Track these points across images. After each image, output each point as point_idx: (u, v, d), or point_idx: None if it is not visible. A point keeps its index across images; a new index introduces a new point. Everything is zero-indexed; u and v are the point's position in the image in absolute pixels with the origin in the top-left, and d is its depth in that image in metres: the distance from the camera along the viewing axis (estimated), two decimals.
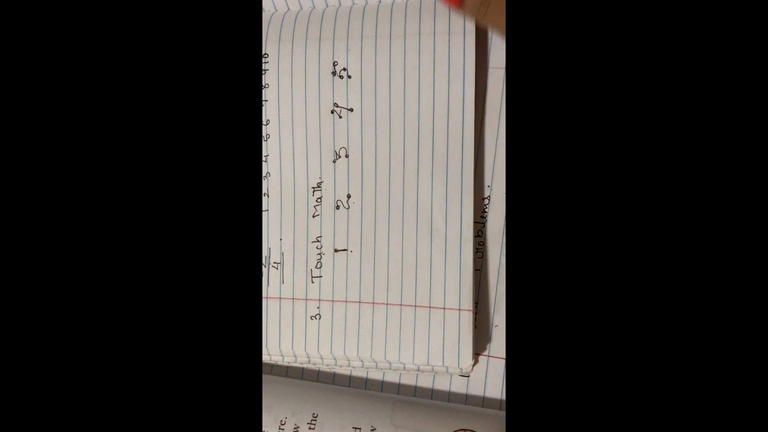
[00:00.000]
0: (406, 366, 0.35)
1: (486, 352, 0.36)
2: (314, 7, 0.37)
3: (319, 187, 0.36)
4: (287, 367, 0.38)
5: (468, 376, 0.36)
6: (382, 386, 0.37)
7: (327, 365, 0.36)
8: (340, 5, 0.36)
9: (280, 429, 0.34)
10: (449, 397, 0.36)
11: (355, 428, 0.33)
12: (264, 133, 0.36)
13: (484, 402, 0.36)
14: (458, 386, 0.36)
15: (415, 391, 0.37)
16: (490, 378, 0.36)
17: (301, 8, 0.37)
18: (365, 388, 0.37)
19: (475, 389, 0.36)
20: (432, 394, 0.37)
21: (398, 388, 0.37)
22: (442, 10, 0.34)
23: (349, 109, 0.35)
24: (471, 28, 0.34)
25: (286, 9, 0.37)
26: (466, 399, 0.36)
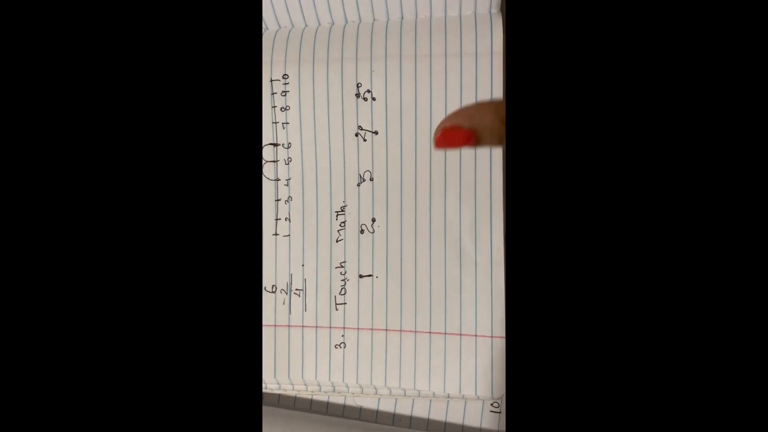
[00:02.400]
0: (436, 394, 0.33)
1: None
2: (333, 23, 0.36)
3: (342, 211, 0.35)
4: (311, 401, 0.36)
5: (500, 412, 0.34)
6: (411, 422, 0.35)
7: (353, 393, 0.34)
8: (361, 21, 0.35)
9: None
10: None
11: None
12: (286, 156, 0.35)
13: None
14: (490, 422, 0.34)
15: (445, 427, 0.35)
16: None
17: (320, 24, 0.36)
18: (393, 424, 0.35)
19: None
20: (462, 430, 0.34)
21: (427, 424, 0.35)
22: (468, 28, 0.33)
23: (374, 132, 0.34)
24: (498, 49, 0.33)
25: (303, 25, 0.36)
26: None
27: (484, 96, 0.33)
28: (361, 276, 0.34)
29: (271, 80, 0.35)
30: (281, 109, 0.35)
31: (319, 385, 0.35)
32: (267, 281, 0.35)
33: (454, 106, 0.33)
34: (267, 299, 0.35)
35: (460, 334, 0.33)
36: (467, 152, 0.33)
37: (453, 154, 0.33)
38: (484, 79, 0.33)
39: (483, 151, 0.33)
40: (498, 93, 0.33)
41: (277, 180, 0.35)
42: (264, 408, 0.35)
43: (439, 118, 0.33)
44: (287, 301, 0.35)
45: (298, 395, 0.36)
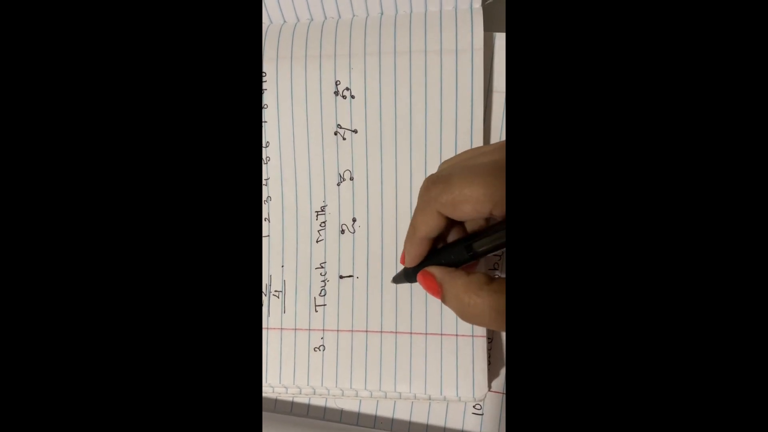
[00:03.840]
0: (417, 396, 0.32)
1: (501, 389, 0.33)
2: (312, 19, 0.35)
3: (323, 210, 0.34)
4: (292, 403, 0.35)
5: (482, 414, 0.33)
6: (392, 424, 0.35)
7: (333, 395, 0.34)
8: (340, 17, 0.35)
9: None
10: None
11: None
12: (264, 156, 0.35)
13: None
14: (472, 424, 0.34)
15: (427, 429, 0.34)
16: (505, 415, 0.33)
17: (299, 20, 0.35)
18: (374, 426, 0.35)
19: (490, 428, 0.34)
20: None
21: (409, 426, 0.34)
22: (449, 24, 0.33)
23: (353, 131, 0.34)
24: (479, 45, 0.33)
25: (282, 21, 0.36)
26: None
27: (465, 92, 0.32)
28: (341, 277, 0.34)
29: None
30: None
31: (299, 388, 0.34)
32: None
33: (434, 104, 0.33)
34: None
35: (441, 334, 0.32)
36: (448, 152, 0.33)
37: (433, 153, 0.33)
38: (464, 76, 0.33)
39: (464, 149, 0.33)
40: (478, 88, 0.32)
41: None
42: None
43: (419, 115, 0.33)
44: (266, 303, 0.34)
45: (278, 398, 0.36)
